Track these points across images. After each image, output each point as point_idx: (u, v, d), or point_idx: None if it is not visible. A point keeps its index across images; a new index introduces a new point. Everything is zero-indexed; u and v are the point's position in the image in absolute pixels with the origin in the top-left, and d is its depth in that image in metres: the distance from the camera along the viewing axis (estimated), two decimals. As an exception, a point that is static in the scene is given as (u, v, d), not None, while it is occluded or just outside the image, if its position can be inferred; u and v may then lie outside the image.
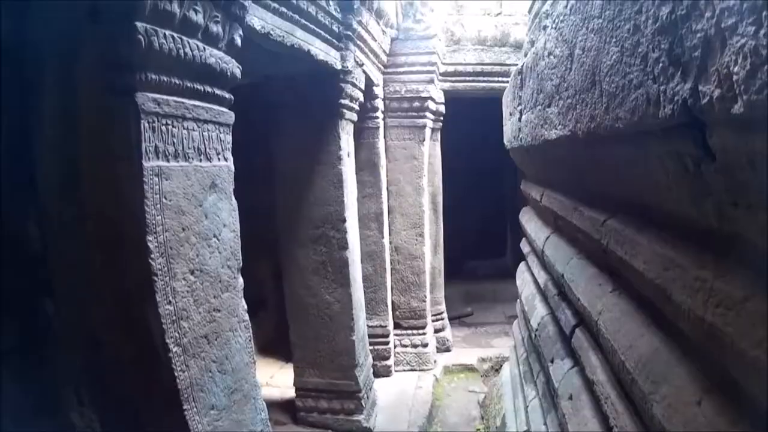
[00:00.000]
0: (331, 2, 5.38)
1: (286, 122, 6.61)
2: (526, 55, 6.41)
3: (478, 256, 16.04)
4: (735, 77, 1.12)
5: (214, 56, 3.17)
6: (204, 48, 3.08)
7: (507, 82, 9.12)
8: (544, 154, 4.38)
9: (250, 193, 5.38)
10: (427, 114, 9.53)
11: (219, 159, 3.38)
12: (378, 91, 8.45)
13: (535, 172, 5.81)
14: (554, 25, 3.24)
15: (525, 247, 6.94)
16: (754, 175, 1.23)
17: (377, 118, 8.52)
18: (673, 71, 1.44)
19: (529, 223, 6.41)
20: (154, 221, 2.76)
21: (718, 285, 1.60)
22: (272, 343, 9.54)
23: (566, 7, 2.88)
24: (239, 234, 3.66)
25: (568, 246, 4.25)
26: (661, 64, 1.52)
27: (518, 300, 6.83)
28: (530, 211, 6.74)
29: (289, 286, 7.23)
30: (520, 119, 4.99)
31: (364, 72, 6.97)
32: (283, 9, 4.35)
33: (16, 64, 2.78)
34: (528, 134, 4.48)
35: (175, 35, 2.84)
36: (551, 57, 3.30)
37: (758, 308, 1.36)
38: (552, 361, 4.22)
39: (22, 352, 2.93)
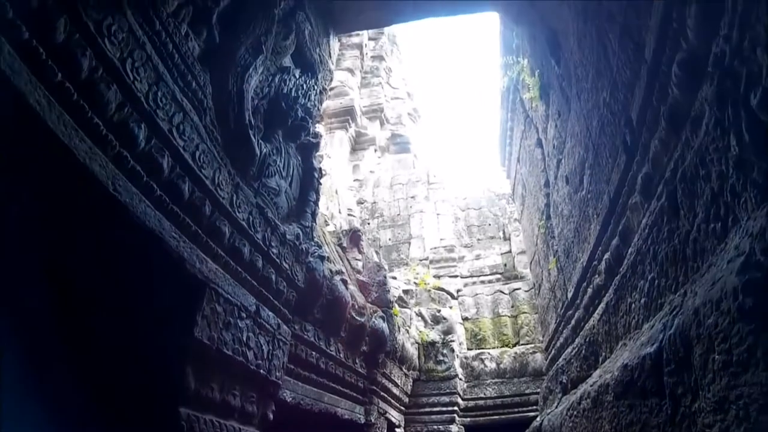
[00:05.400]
0: (357, 360, 5.65)
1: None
2: (545, 400, 6.57)
3: None
4: None
5: (248, 438, 3.32)
6: (239, 428, 3.23)
7: (527, 411, 9.35)
8: None
9: None
10: (449, 455, 9.39)
11: None
12: (399, 432, 8.45)
13: None
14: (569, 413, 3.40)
15: None
16: None
17: (401, 457, 8.42)
18: None
19: None
20: None
21: None
22: None
23: (579, 402, 3.05)
24: None
25: None
26: None
27: None
28: None
29: None
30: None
31: (386, 419, 7.05)
32: (313, 375, 4.59)
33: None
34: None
35: (215, 420, 3.02)
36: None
37: None
38: None
39: None
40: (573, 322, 5.16)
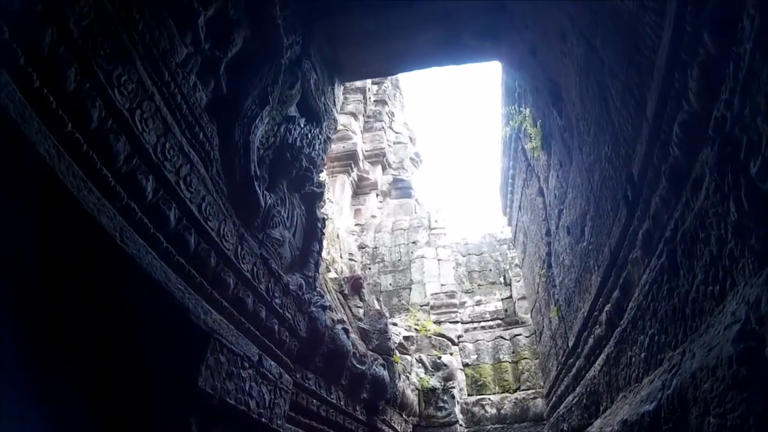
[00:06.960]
0: (357, 407, 5.62)
1: None
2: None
3: None
4: None
5: None
6: None
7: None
8: None
9: None
10: None
11: None
12: (400, 482, 8.35)
13: None
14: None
15: None
16: None
17: None
18: None
19: None
20: None
21: None
22: None
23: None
24: None
25: None
26: None
27: None
28: None
29: None
30: None
31: (386, 470, 6.98)
32: (314, 423, 4.56)
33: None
34: None
35: None
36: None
37: None
38: None
39: None
40: (574, 370, 5.14)
